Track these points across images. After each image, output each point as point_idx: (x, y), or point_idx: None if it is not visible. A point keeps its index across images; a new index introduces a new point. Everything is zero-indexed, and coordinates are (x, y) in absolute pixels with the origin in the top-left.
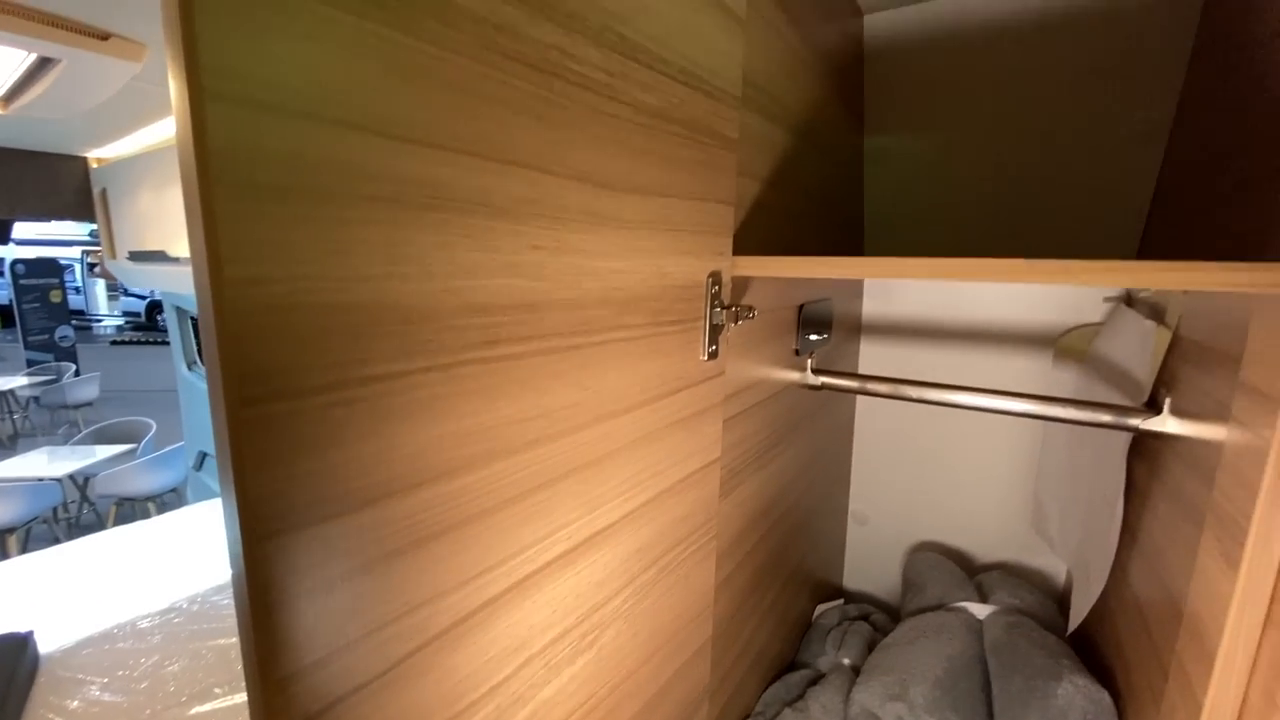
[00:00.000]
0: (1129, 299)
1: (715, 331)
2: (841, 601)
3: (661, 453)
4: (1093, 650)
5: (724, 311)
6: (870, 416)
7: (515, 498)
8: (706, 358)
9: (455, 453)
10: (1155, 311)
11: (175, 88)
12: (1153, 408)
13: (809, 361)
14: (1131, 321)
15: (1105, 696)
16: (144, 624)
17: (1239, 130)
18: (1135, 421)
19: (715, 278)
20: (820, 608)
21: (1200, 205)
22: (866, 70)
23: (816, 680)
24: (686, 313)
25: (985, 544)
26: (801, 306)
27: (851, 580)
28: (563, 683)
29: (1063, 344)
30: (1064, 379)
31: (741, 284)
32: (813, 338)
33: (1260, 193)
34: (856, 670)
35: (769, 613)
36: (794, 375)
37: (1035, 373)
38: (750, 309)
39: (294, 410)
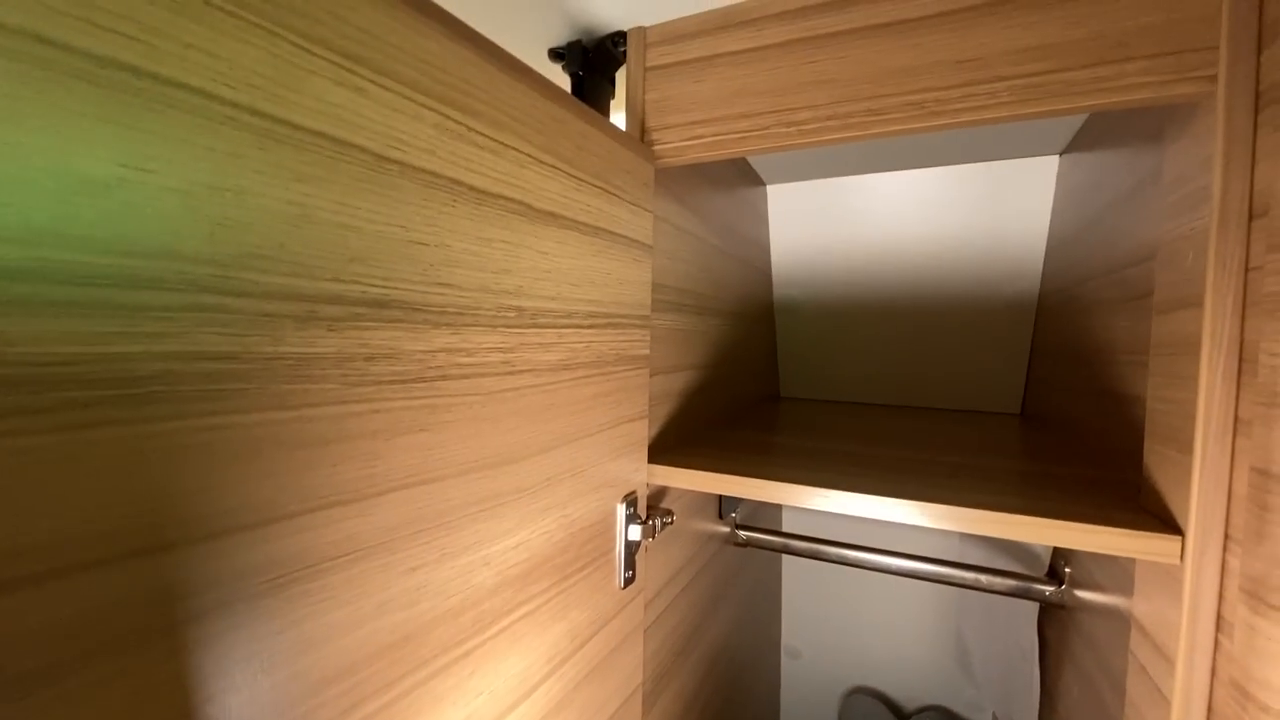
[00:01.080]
0: None
1: (631, 553)
2: None
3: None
4: None
5: (640, 528)
6: (796, 566)
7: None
8: (623, 585)
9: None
10: None
11: None
12: (1054, 578)
13: (734, 518)
14: None
15: None
16: None
17: (1087, 314)
18: (1042, 589)
19: (630, 499)
20: None
21: (1065, 377)
22: (773, 233)
23: None
24: (598, 550)
25: (916, 686)
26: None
27: None
28: None
29: None
30: (972, 540)
31: (659, 490)
32: (740, 502)
33: (1114, 356)
34: None
35: None
36: (719, 535)
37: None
38: (669, 513)
39: None
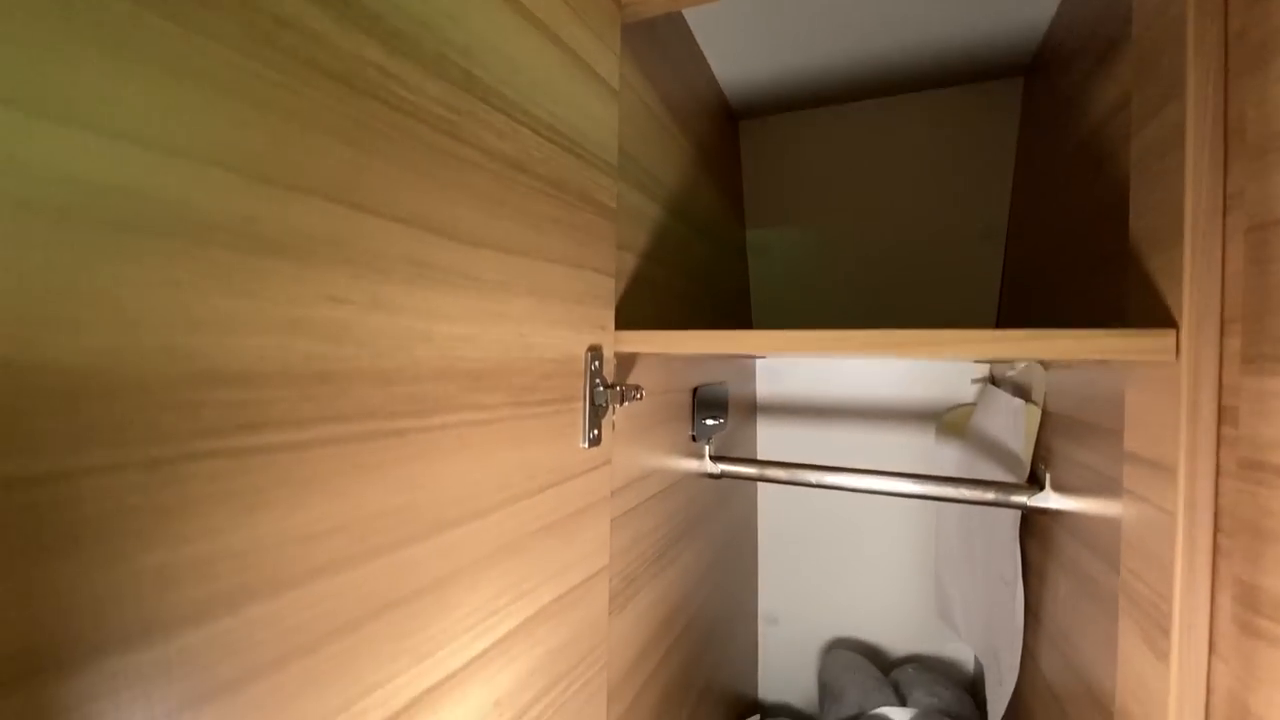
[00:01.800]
0: (993, 379)
1: (597, 414)
2: (758, 717)
3: (529, 567)
4: None
5: (607, 391)
6: (772, 509)
7: (286, 656)
8: (587, 444)
9: (172, 597)
10: (1021, 390)
11: None
12: (1035, 484)
13: (707, 449)
14: (1001, 400)
15: None
16: None
17: (1062, 228)
18: (1021, 499)
19: (595, 352)
20: None
21: (1040, 296)
22: (745, 171)
23: None
24: (560, 391)
25: (897, 636)
26: (696, 390)
27: (767, 689)
28: None
29: (945, 422)
30: (948, 456)
31: (627, 362)
32: (709, 422)
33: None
34: None
35: None
36: (692, 464)
37: (920, 450)
38: (637, 389)
39: None
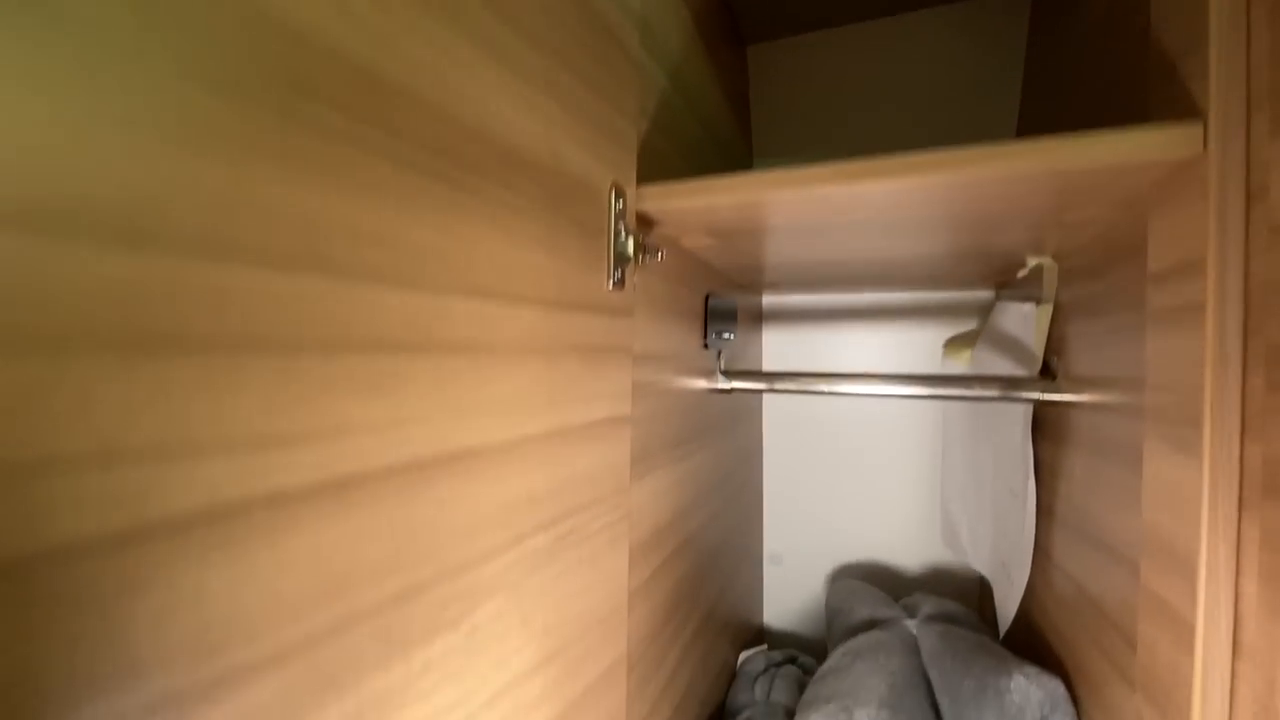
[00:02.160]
0: (997, 295)
1: (620, 260)
2: (765, 647)
3: (559, 378)
4: (1026, 646)
5: (630, 239)
6: (778, 436)
7: (327, 340)
8: (611, 286)
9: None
10: (1028, 297)
11: None
12: (1048, 376)
13: (719, 363)
14: (1010, 308)
15: (1059, 684)
16: None
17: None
18: (1033, 393)
19: (619, 191)
20: (744, 654)
21: None
22: (753, 100)
23: None
24: (585, 218)
25: (903, 566)
26: (708, 297)
27: (772, 620)
28: (410, 670)
29: (952, 344)
30: (956, 371)
31: (646, 224)
32: (723, 335)
33: None
34: (791, 712)
35: (690, 649)
36: (702, 377)
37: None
38: (659, 249)
39: None
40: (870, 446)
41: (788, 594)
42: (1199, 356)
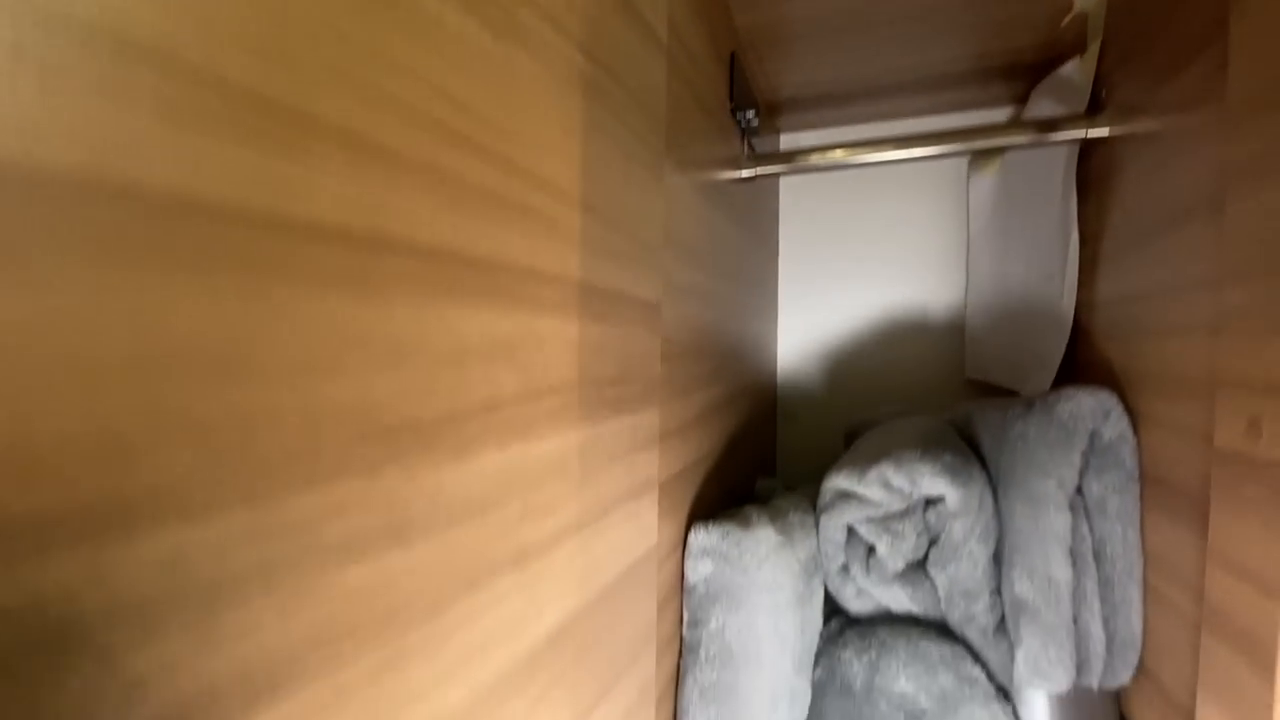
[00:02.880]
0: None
1: None
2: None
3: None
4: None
5: None
6: (793, 239)
7: None
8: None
9: None
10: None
11: None
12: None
13: (744, 146)
14: (1045, 86)
15: (1110, 393)
16: None
17: None
18: (1078, 133)
19: None
20: (761, 482)
21: None
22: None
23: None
24: None
25: (929, 399)
26: (733, 54)
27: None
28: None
29: (976, 161)
30: (983, 187)
31: None
32: (748, 114)
33: None
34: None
35: (717, 421)
36: (726, 150)
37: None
38: None
39: None
40: (891, 281)
41: (802, 450)
42: None
